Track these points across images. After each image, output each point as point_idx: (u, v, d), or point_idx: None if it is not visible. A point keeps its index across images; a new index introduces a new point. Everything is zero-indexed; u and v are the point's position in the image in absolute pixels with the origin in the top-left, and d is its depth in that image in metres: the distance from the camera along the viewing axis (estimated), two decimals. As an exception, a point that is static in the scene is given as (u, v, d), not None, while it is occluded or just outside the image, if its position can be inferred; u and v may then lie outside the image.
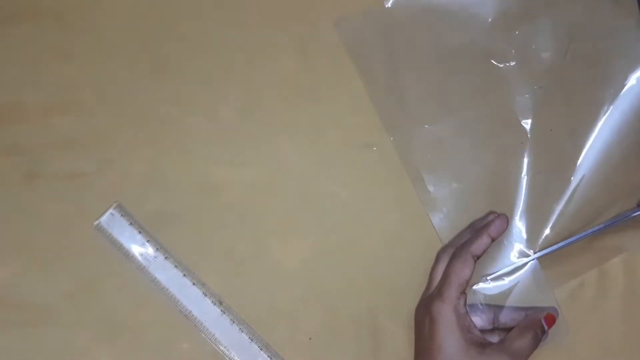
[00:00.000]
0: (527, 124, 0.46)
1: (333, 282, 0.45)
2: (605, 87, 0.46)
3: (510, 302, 0.43)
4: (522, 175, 0.45)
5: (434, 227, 0.46)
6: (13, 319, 0.44)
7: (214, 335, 0.43)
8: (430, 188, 0.46)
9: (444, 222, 0.46)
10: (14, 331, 0.43)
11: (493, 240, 0.42)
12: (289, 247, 0.46)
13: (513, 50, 0.48)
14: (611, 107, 0.46)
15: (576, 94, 0.47)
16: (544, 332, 0.41)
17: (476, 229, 0.43)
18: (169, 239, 0.46)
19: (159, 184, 0.47)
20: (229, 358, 0.43)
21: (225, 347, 0.43)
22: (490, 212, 0.45)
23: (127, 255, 0.45)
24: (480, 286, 0.44)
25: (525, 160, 0.46)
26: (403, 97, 0.47)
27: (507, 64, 0.47)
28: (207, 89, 0.48)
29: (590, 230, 0.44)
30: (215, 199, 0.46)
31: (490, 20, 0.48)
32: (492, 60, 0.48)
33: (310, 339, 0.44)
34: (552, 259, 0.44)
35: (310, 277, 0.45)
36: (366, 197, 0.47)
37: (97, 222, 0.45)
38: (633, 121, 0.45)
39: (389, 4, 0.48)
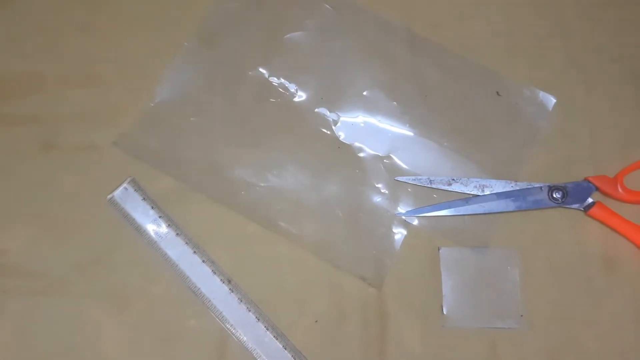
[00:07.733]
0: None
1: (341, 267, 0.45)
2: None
3: None
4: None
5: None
6: (25, 287, 0.44)
7: (221, 313, 0.44)
8: None
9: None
10: (25, 299, 0.44)
11: None
12: (299, 229, 0.46)
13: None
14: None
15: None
16: None
17: None
18: (180, 216, 0.46)
19: (173, 161, 0.47)
20: (235, 336, 0.43)
21: (231, 325, 0.43)
22: None
23: (139, 230, 0.45)
24: None
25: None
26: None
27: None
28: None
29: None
30: (227, 178, 0.46)
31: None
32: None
33: (316, 321, 0.44)
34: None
35: (318, 259, 0.45)
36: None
37: (110, 195, 0.46)
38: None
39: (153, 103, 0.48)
